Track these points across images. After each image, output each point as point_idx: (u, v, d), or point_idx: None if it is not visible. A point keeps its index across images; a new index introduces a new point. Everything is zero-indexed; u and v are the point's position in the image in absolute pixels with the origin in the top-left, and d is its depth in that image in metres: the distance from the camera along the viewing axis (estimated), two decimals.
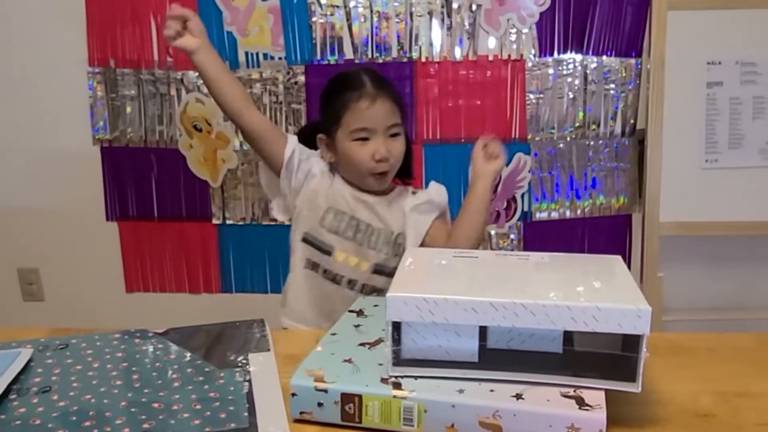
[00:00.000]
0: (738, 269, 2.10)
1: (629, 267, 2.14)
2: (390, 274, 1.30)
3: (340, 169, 1.34)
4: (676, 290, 2.07)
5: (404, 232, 1.32)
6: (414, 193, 1.37)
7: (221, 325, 0.91)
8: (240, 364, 0.80)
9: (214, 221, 2.15)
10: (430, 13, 1.97)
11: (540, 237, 2.09)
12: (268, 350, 0.84)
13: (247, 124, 1.30)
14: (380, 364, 0.75)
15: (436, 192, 1.37)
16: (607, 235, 2.10)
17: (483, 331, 0.74)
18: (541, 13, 1.95)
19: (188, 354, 0.82)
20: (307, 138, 1.37)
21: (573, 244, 2.10)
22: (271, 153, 1.33)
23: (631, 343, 0.71)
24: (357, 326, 0.87)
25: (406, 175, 1.42)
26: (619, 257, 0.85)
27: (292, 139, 1.33)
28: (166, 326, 0.90)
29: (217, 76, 1.27)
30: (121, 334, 0.87)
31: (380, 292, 1.31)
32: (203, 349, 0.84)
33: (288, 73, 2.02)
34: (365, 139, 1.26)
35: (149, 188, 2.14)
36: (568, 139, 2.03)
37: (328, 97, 1.32)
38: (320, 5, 1.97)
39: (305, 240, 1.33)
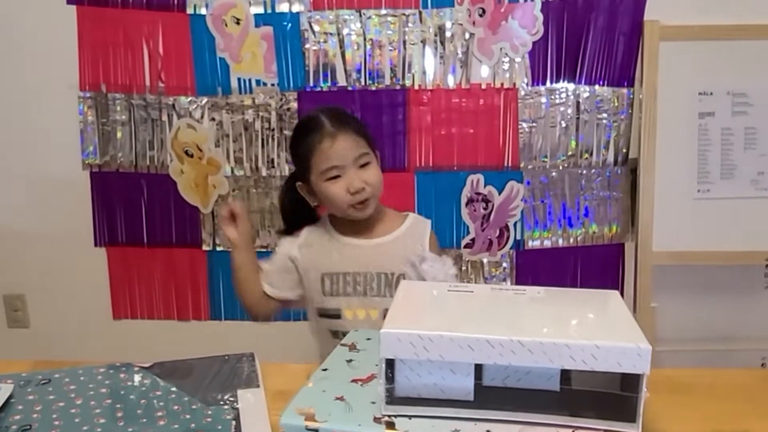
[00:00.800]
0: (730, 299, 2.08)
1: (622, 296, 2.13)
2: None
3: (326, 209, 1.35)
4: (669, 320, 2.05)
5: (406, 273, 1.31)
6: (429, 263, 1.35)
7: (209, 359, 0.88)
8: (228, 402, 0.78)
9: (204, 248, 2.12)
10: (424, 42, 1.97)
11: (532, 265, 2.08)
12: (258, 386, 0.82)
13: (265, 314, 1.40)
14: (373, 403, 0.73)
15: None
16: (600, 264, 2.09)
17: (478, 368, 0.72)
18: (534, 43, 1.96)
19: (175, 390, 0.80)
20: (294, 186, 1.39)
21: (565, 273, 2.09)
22: (291, 298, 1.39)
23: (630, 381, 0.69)
24: (349, 361, 0.84)
25: None
26: (616, 292, 0.83)
27: (270, 276, 1.37)
28: (154, 354, 0.88)
29: (246, 278, 1.35)
30: (106, 368, 0.84)
31: None
32: (190, 384, 0.81)
33: (281, 99, 2.01)
34: (337, 177, 1.27)
35: (139, 214, 2.11)
36: (561, 167, 2.03)
37: (294, 145, 1.35)
38: (313, 32, 1.98)
39: (320, 315, 1.35)
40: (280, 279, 1.36)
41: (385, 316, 1.30)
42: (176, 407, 0.76)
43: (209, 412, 0.75)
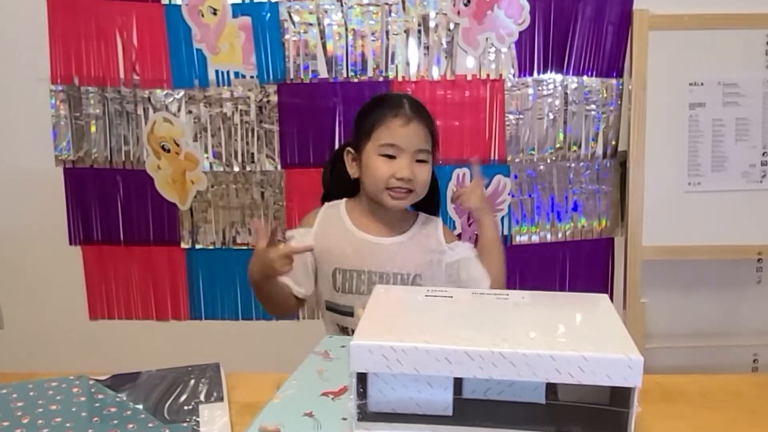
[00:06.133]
0: (722, 294, 2.04)
1: (612, 292, 2.09)
2: None
3: (362, 185, 1.31)
4: (659, 316, 2.02)
5: (423, 274, 1.30)
6: (451, 248, 1.35)
7: (171, 371, 0.82)
8: (189, 418, 0.72)
9: (183, 245, 2.06)
10: (407, 32, 1.91)
11: (521, 261, 2.03)
12: (222, 400, 0.76)
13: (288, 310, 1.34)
14: (344, 419, 0.68)
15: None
16: (589, 259, 2.05)
17: (458, 380, 0.67)
18: (521, 32, 1.91)
19: (131, 406, 0.74)
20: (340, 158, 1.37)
21: (554, 268, 2.04)
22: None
23: (620, 394, 0.64)
24: (321, 372, 0.79)
25: (429, 211, 1.41)
26: (605, 296, 0.78)
27: (296, 282, 1.29)
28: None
29: (271, 290, 1.24)
30: (59, 381, 0.78)
31: None
32: (149, 399, 0.76)
33: (260, 92, 1.95)
34: (392, 157, 1.25)
35: (115, 211, 2.04)
36: (549, 160, 1.98)
37: (363, 113, 1.34)
38: (293, 22, 1.91)
39: (329, 308, 1.32)
40: (305, 277, 1.30)
41: None
42: (131, 426, 0.70)
43: (167, 431, 0.70)
